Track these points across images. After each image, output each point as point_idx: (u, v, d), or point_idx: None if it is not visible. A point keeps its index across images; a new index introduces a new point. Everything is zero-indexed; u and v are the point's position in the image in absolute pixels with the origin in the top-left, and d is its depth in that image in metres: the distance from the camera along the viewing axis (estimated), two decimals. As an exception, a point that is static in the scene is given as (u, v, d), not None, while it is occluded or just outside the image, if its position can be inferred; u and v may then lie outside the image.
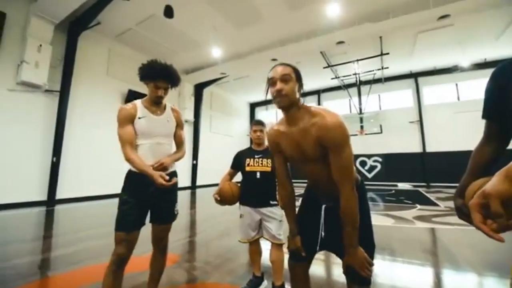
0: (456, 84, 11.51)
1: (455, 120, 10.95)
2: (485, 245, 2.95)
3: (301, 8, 7.05)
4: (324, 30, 7.87)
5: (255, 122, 2.13)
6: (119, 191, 1.60)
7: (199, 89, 12.00)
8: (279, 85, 1.08)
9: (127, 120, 1.57)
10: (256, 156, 2.07)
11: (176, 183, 1.66)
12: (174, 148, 1.80)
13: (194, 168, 11.70)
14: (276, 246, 1.92)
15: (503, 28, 7.68)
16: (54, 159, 6.62)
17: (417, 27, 7.62)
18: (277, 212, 1.96)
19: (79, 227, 4.17)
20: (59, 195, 6.71)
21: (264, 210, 1.96)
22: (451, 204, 6.22)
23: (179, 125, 1.82)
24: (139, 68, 1.61)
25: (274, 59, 9.30)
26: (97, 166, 7.65)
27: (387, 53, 9.03)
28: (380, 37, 8.30)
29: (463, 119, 10.59)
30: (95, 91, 7.96)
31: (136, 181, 1.57)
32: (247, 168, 2.05)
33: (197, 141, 11.91)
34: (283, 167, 1.30)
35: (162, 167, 1.58)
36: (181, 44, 9.04)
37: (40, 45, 6.28)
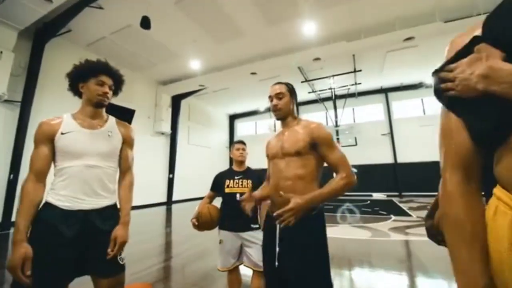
0: (422, 99, 12.42)
1: (421, 133, 11.72)
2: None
3: (279, 24, 7.25)
4: (301, 46, 8.15)
5: (237, 141, 2.12)
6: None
7: (177, 101, 11.71)
8: (274, 101, 1.37)
9: (44, 139, 1.17)
10: (236, 177, 1.99)
11: (115, 218, 1.26)
12: (117, 174, 1.35)
13: (171, 182, 11.20)
14: (258, 274, 1.82)
15: (460, 51, 8.47)
16: (12, 176, 6.00)
17: (386, 47, 8.15)
18: (259, 236, 1.85)
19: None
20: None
21: (245, 234, 1.86)
22: (422, 213, 6.54)
23: (127, 142, 1.37)
24: (69, 73, 1.27)
25: (253, 73, 9.41)
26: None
27: (360, 70, 9.55)
28: (353, 55, 8.78)
29: (428, 132, 11.37)
30: (62, 101, 7.41)
31: (49, 222, 1.09)
32: (227, 190, 1.97)
33: (174, 154, 11.52)
34: None
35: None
36: (158, 55, 8.83)
37: (1, 52, 5.79)
